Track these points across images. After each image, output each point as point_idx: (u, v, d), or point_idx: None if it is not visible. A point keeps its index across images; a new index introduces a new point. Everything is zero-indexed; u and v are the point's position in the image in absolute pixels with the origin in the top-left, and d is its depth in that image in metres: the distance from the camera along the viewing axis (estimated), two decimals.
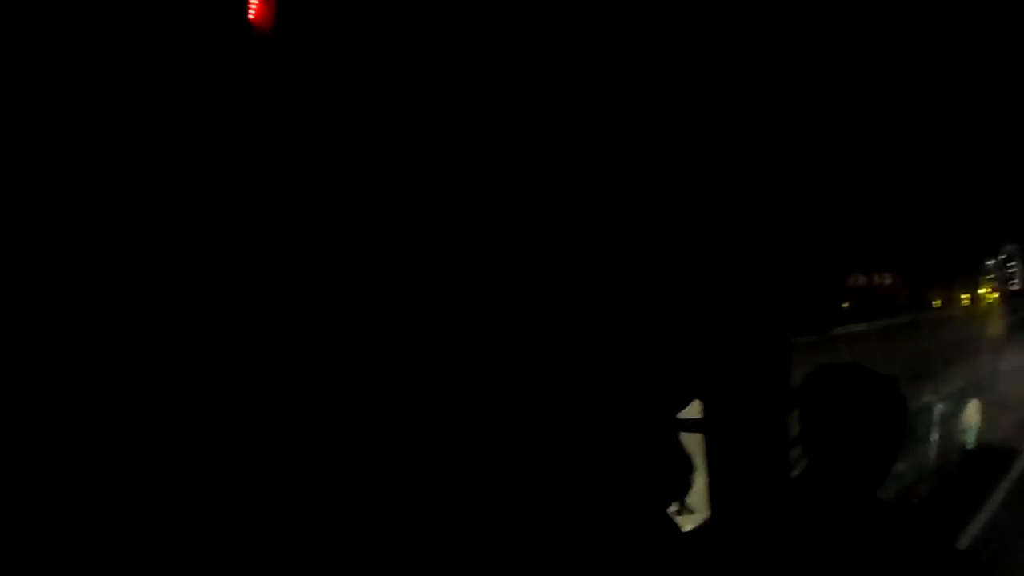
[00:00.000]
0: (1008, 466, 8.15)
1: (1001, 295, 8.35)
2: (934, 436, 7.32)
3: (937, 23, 3.48)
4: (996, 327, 8.65)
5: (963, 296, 7.38)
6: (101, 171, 1.57)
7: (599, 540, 2.19)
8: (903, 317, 6.96)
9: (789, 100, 2.72)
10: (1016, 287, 8.31)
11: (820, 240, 3.28)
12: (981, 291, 7.52)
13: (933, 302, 7.72)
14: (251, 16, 1.71)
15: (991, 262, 8.05)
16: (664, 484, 2.39)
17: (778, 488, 1.94)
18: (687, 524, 2.33)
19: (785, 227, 2.78)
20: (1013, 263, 8.24)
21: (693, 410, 2.64)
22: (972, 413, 7.89)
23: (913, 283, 7.34)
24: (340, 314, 1.86)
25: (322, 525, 1.79)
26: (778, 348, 2.66)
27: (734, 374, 2.56)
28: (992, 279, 8.06)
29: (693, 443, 2.59)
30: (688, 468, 2.45)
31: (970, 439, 7.89)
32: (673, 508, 2.34)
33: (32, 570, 1.48)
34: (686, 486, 2.40)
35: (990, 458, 8.56)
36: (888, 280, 6.66)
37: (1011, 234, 8.05)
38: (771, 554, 1.64)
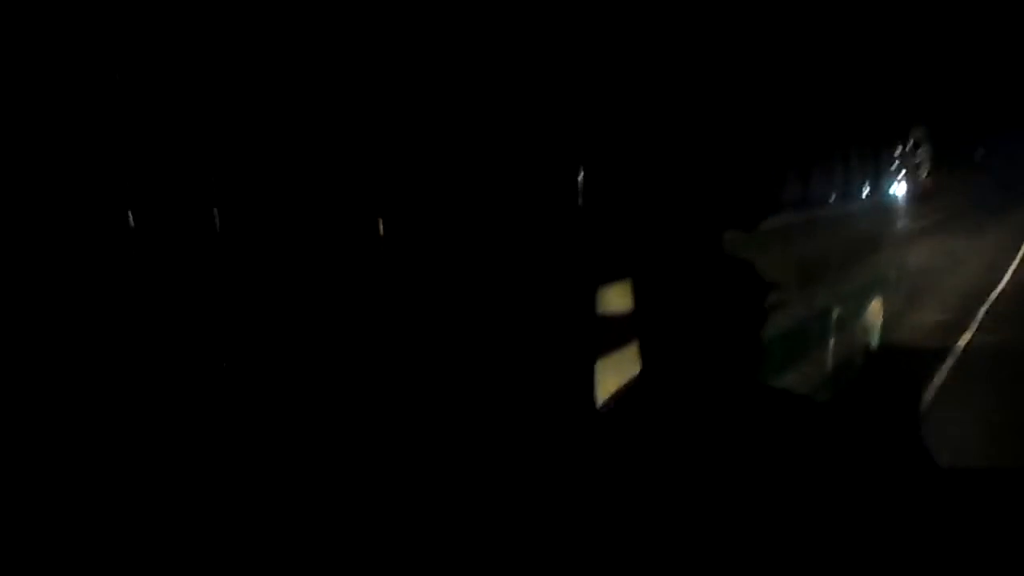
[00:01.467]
0: (930, 369, 7.82)
1: (913, 184, 7.78)
2: (831, 340, 6.88)
3: None
4: (907, 220, 8.13)
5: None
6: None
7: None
8: (795, 215, 6.42)
9: None
10: (927, 175, 7.70)
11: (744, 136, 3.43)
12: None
13: (829, 198, 7.22)
14: None
15: (898, 151, 7.42)
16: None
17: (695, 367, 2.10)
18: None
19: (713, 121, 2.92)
20: (921, 149, 7.58)
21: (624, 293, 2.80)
22: (875, 313, 7.47)
23: (808, 177, 6.76)
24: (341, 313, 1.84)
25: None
26: (706, 241, 2.86)
27: (664, 260, 2.74)
28: (902, 169, 7.46)
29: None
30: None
31: (873, 340, 7.49)
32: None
33: (32, 570, 1.49)
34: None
35: (905, 360, 8.20)
36: (780, 176, 6.08)
37: (920, 116, 7.40)
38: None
